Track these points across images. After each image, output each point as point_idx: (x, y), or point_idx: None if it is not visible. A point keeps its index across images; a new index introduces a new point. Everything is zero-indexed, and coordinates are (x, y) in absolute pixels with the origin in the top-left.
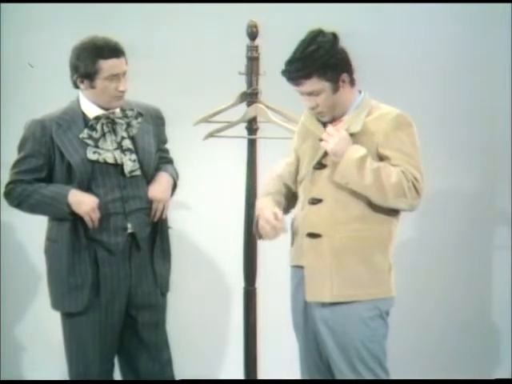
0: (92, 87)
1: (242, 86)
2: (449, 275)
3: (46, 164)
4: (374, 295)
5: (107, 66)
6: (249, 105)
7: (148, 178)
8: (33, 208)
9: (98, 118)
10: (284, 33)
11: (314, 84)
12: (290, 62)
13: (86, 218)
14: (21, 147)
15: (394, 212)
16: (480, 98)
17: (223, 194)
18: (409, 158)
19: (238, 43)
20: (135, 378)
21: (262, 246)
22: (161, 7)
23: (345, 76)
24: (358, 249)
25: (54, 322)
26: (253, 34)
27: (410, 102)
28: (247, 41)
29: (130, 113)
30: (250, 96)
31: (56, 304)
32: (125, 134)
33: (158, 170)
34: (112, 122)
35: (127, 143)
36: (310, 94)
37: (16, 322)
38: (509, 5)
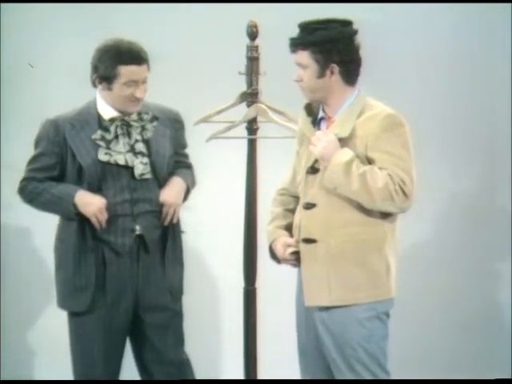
0: (109, 90)
1: (242, 85)
2: (449, 275)
3: (59, 163)
4: (372, 298)
5: (126, 71)
6: (249, 105)
7: (160, 181)
8: (42, 206)
9: (112, 120)
10: (284, 33)
11: (304, 57)
12: (299, 26)
13: (93, 219)
14: (35, 145)
15: (388, 213)
16: (480, 97)
17: (223, 194)
18: (397, 160)
19: (237, 43)
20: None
21: (261, 246)
22: (161, 7)
23: (334, 67)
24: (353, 252)
25: (55, 321)
26: (253, 34)
27: (410, 103)
28: (247, 41)
29: (145, 116)
30: (250, 96)
31: (61, 303)
32: (139, 137)
33: (173, 174)
34: (127, 125)
35: (140, 146)
36: (299, 65)
37: (17, 321)
38: (509, 5)
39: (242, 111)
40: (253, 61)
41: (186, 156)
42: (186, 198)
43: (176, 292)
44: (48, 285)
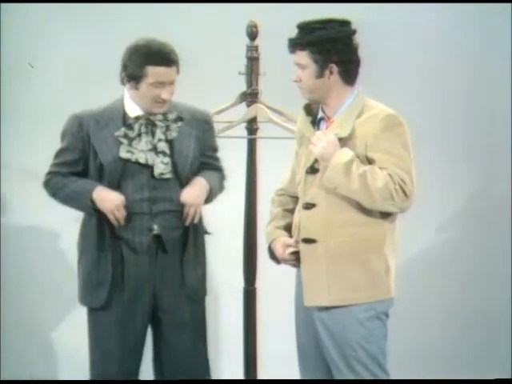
0: (136, 89)
1: (242, 86)
2: (449, 275)
3: (82, 159)
4: (371, 297)
5: (154, 72)
6: (249, 105)
7: (182, 181)
8: (63, 201)
9: (137, 118)
10: (284, 33)
11: (303, 57)
12: (297, 26)
13: (110, 216)
14: (61, 140)
15: (388, 213)
16: (480, 97)
17: (223, 194)
18: (397, 159)
19: (238, 43)
20: None
21: (261, 246)
22: (161, 7)
23: (333, 67)
24: (353, 253)
25: (55, 321)
26: (253, 34)
27: (410, 103)
28: (247, 41)
29: (170, 116)
30: (250, 96)
31: (80, 298)
32: (162, 137)
33: (198, 174)
34: (152, 124)
35: (162, 146)
36: (298, 65)
37: (17, 321)
38: (509, 5)
39: (242, 111)
40: (253, 61)
41: (214, 158)
42: (209, 199)
43: (195, 293)
44: (48, 285)
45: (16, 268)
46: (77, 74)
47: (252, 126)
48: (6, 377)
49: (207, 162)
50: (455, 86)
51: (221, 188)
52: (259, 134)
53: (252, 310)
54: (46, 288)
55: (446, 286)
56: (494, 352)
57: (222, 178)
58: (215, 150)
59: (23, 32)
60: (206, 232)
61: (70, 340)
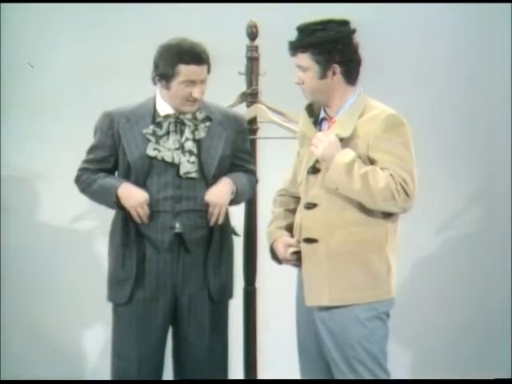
0: (167, 88)
1: (241, 86)
2: (449, 275)
3: (112, 156)
4: (372, 298)
5: (185, 71)
6: (249, 105)
7: (208, 181)
8: (92, 196)
9: (167, 117)
10: (284, 33)
11: (304, 59)
12: (297, 29)
13: (132, 213)
14: (93, 137)
15: (389, 213)
16: (480, 98)
17: None
18: (398, 160)
19: (238, 43)
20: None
21: (261, 246)
22: (161, 7)
23: (336, 68)
24: (354, 253)
25: (55, 321)
26: (253, 34)
27: (409, 103)
28: (247, 41)
29: (199, 116)
30: (250, 96)
31: (107, 294)
32: (190, 136)
33: (226, 175)
34: (181, 123)
35: (189, 145)
36: (300, 67)
37: (17, 321)
38: (509, 5)
39: (242, 111)
40: (253, 61)
41: (246, 161)
42: (237, 201)
43: (218, 294)
44: (48, 285)
45: (16, 268)
46: (77, 74)
47: (252, 126)
48: (6, 377)
49: (239, 164)
50: (455, 86)
51: (250, 190)
52: (259, 134)
53: (252, 310)
54: (46, 288)
55: (446, 286)
56: (494, 352)
57: (253, 180)
58: (247, 152)
59: (23, 32)
60: (234, 233)
61: (70, 340)
